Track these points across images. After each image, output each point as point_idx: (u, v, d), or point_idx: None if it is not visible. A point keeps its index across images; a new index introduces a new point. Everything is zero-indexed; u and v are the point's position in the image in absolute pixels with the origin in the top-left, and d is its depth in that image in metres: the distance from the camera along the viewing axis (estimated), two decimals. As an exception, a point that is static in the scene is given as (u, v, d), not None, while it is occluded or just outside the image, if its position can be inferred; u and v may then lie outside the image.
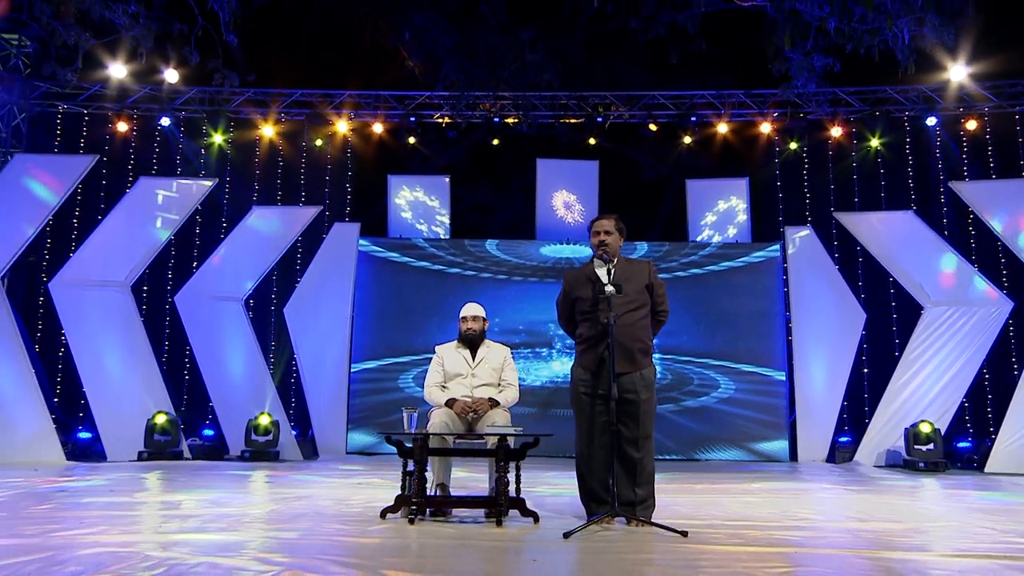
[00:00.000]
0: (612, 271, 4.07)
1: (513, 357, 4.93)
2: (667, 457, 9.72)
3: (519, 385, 4.78)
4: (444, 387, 4.66)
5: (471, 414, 4.40)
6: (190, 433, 9.46)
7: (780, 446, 9.80)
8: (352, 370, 9.89)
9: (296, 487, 6.02)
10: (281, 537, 3.50)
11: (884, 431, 9.04)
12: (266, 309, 10.45)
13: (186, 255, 10.46)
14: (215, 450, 9.15)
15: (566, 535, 3.52)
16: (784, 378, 9.96)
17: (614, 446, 3.93)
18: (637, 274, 4.22)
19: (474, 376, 4.66)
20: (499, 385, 4.67)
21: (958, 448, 9.20)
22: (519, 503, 4.05)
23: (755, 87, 11.37)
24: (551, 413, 9.73)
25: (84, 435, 9.26)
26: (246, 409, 8.83)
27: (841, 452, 9.38)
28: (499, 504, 3.90)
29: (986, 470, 8.25)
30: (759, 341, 10.12)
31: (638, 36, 10.60)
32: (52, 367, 9.90)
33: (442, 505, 4.10)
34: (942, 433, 8.55)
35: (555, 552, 3.28)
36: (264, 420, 8.43)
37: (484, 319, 4.83)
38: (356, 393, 9.84)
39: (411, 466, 4.04)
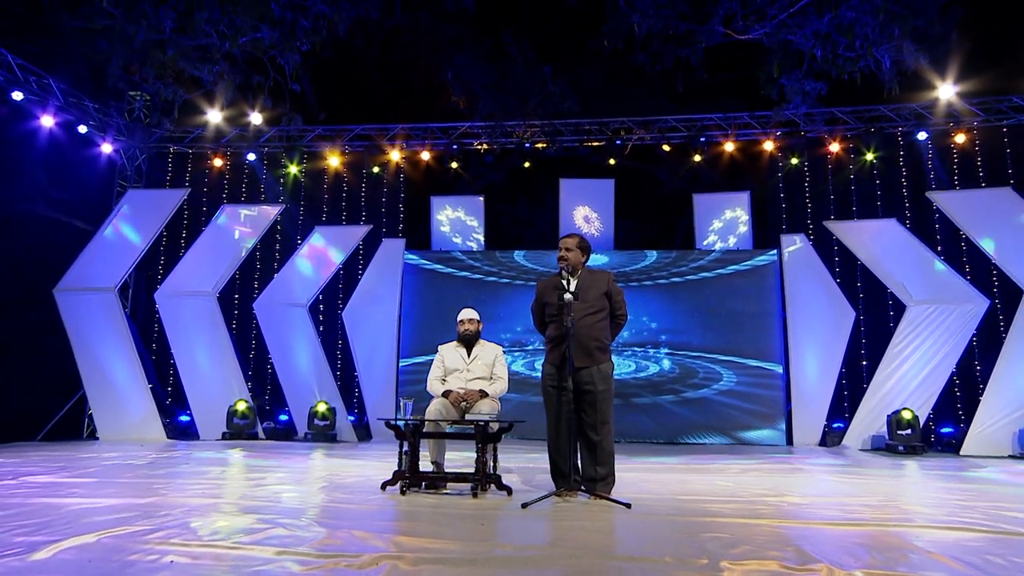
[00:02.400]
0: (572, 281, 4.25)
1: (505, 354, 5.14)
2: (676, 441, 9.71)
3: (508, 378, 4.97)
4: (444, 380, 4.89)
5: (463, 403, 4.63)
6: (267, 418, 9.96)
7: (778, 432, 9.66)
8: (400, 365, 10.16)
9: (329, 464, 6.31)
10: (291, 503, 3.81)
11: (870, 418, 8.83)
12: (327, 313, 10.78)
13: (265, 268, 10.91)
14: (287, 432, 9.56)
15: (523, 506, 3.71)
16: (781, 371, 9.80)
17: (572, 429, 4.10)
18: (597, 283, 4.37)
19: (469, 371, 4.87)
20: (491, 378, 4.89)
21: (941, 433, 8.91)
22: (495, 479, 4.25)
23: (759, 109, 11.24)
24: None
25: (184, 418, 9.87)
26: (311, 398, 9.27)
27: (832, 437, 9.19)
28: (476, 479, 4.12)
29: (961, 453, 7.98)
30: (758, 338, 9.98)
31: (646, 69, 10.65)
32: (162, 365, 10.60)
33: (429, 480, 4.33)
34: (923, 420, 8.31)
35: (509, 519, 3.46)
36: (322, 407, 8.84)
37: (478, 321, 5.03)
38: (404, 384, 10.10)
39: (407, 447, 4.30)
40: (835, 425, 9.49)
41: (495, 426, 4.37)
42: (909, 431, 8.01)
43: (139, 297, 10.98)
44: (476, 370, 4.86)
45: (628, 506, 3.77)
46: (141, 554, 2.50)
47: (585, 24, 11.25)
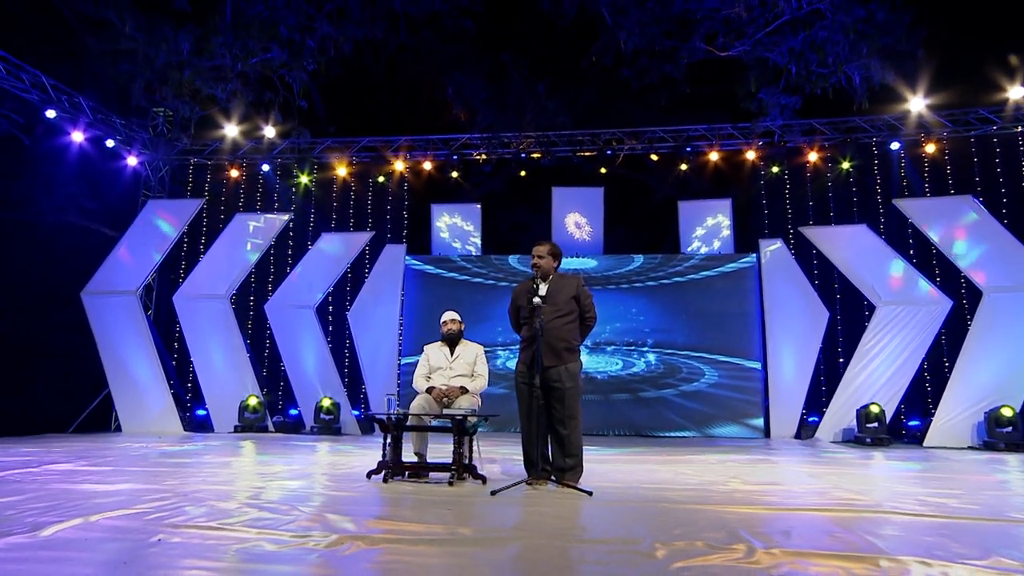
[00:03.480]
0: (541, 285, 4.39)
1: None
2: (658, 434, 9.81)
3: (488, 375, 5.11)
4: (429, 377, 5.04)
5: (444, 399, 4.77)
6: (278, 412, 10.13)
7: (756, 425, 9.74)
8: (401, 362, 10.32)
9: (327, 456, 6.44)
10: (280, 490, 3.96)
11: (841, 412, 8.90)
12: (333, 314, 10.94)
13: (278, 272, 11.07)
14: (296, 426, 9.71)
15: (493, 493, 3.84)
16: (759, 367, 9.89)
17: (542, 423, 4.24)
18: (566, 288, 4.49)
19: (451, 368, 5.00)
20: (472, 375, 5.02)
21: (909, 426, 8.97)
22: (471, 468, 4.38)
23: (742, 121, 11.33)
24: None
25: (201, 412, 10.09)
26: (318, 394, 9.42)
27: (806, 430, 9.27)
28: (453, 469, 4.26)
29: (925, 445, 8.03)
30: (738, 336, 10.07)
31: (633, 83, 10.78)
32: (182, 363, 10.78)
33: (411, 469, 4.47)
34: (891, 414, 8.38)
35: (477, 504, 3.58)
36: (326, 402, 9.00)
37: (460, 322, 5.17)
38: (404, 380, 10.20)
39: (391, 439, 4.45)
40: (810, 419, 9.56)
41: (473, 420, 4.51)
42: (876, 424, 8.08)
43: (163, 299, 11.19)
44: (458, 368, 5.00)
45: (590, 494, 3.89)
46: (135, 533, 2.66)
47: (577, 43, 11.38)
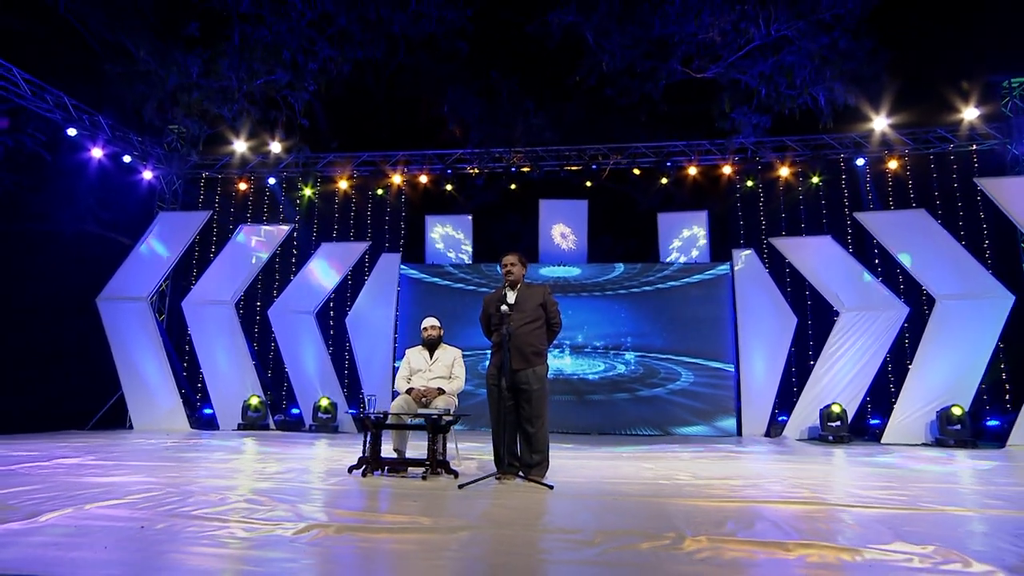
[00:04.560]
0: (510, 294, 4.52)
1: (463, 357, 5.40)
2: (637, 433, 9.92)
3: (465, 377, 5.23)
4: (409, 379, 5.17)
5: (423, 399, 4.89)
6: (281, 411, 10.26)
7: (729, 424, 9.83)
8: (396, 364, 10.36)
9: (319, 451, 6.54)
10: (264, 483, 4.08)
11: (807, 411, 9.00)
12: (331, 319, 11.04)
13: (282, 279, 11.18)
14: (297, 424, 9.83)
15: (460, 486, 3.95)
16: (732, 370, 9.98)
17: (510, 422, 4.35)
18: (534, 296, 4.59)
19: (431, 371, 5.13)
20: (450, 377, 5.15)
21: (870, 424, 9.08)
22: (444, 464, 4.50)
23: (718, 137, 11.47)
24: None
25: (208, 411, 10.22)
26: (316, 394, 9.55)
27: (775, 428, 9.36)
28: (427, 464, 4.38)
29: (883, 441, 8.13)
30: (713, 340, 10.17)
31: (615, 102, 10.94)
32: (192, 366, 10.91)
33: (390, 464, 4.58)
34: (853, 412, 8.48)
35: (443, 497, 3.68)
36: (324, 402, 9.12)
37: (440, 328, 5.30)
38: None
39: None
40: (780, 418, 9.66)
41: (448, 418, 4.63)
42: (838, 423, 8.18)
43: (175, 304, 11.36)
44: (437, 370, 5.12)
45: (551, 487, 4.00)
46: (118, 521, 2.79)
47: (562, 64, 11.55)
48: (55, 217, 10.43)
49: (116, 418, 9.85)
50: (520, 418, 4.44)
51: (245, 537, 2.57)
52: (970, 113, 9.40)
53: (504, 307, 4.37)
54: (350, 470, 4.56)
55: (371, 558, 2.38)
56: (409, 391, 4.96)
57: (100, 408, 9.66)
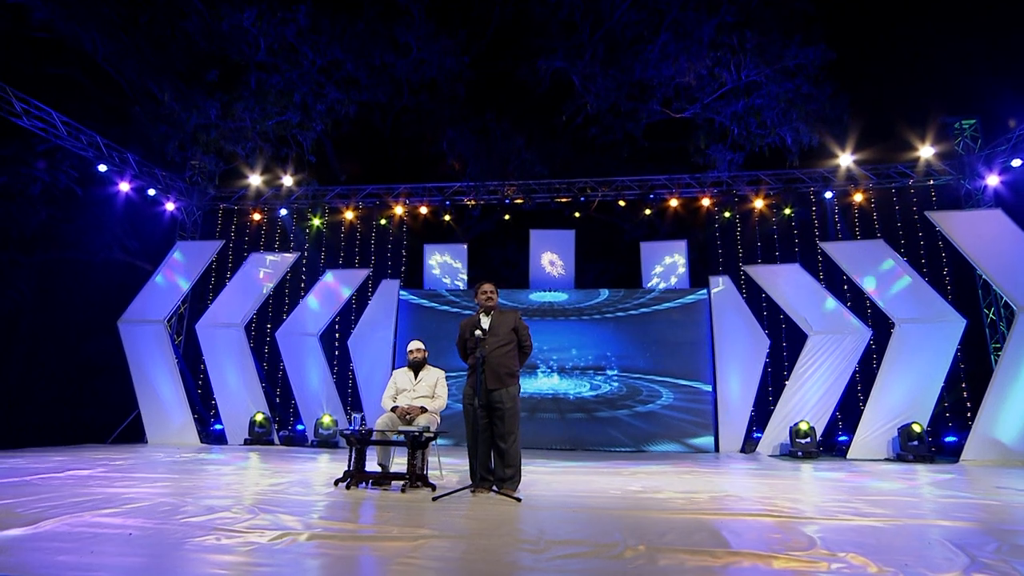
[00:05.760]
0: (484, 320, 4.64)
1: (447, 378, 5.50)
2: (620, 450, 9.92)
3: (447, 396, 5.34)
4: (395, 398, 5.27)
5: (407, 416, 4.99)
6: (287, 427, 10.33)
7: (708, 440, 9.83)
8: (394, 383, 10.52)
9: (313, 465, 6.55)
10: (252, 495, 4.17)
11: (779, 429, 9.01)
12: (334, 341, 11.18)
13: (291, 303, 11.37)
14: (300, 439, 9.92)
15: (434, 499, 4.03)
16: (710, 389, 10.02)
17: (484, 439, 4.44)
18: (506, 321, 4.71)
19: (415, 391, 5.23)
20: (433, 396, 5.25)
21: (838, 440, 9.07)
22: (423, 477, 4.57)
23: (698, 171, 11.69)
24: (536, 416, 10.16)
25: (218, 427, 10.32)
26: (319, 411, 9.62)
27: (750, 444, 9.36)
28: (406, 478, 4.46)
29: (848, 457, 8.12)
30: (692, 361, 10.23)
31: (599, 140, 11.20)
32: (206, 384, 11.02)
33: (374, 478, 4.66)
34: (822, 429, 8.49)
35: (417, 509, 3.73)
36: (326, 419, 9.19)
37: (424, 350, 5.41)
38: (398, 399, 10.45)
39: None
40: (755, 435, 9.66)
41: (428, 435, 4.72)
42: (807, 439, 8.20)
43: (191, 327, 11.52)
44: (421, 390, 5.22)
45: (519, 500, 4.07)
46: (110, 528, 2.90)
47: (552, 105, 11.87)
48: (85, 246, 10.69)
49: (135, 433, 9.95)
50: (494, 435, 4.52)
51: (221, 544, 2.67)
52: (926, 151, 9.58)
53: (478, 332, 4.49)
54: (336, 483, 4.64)
55: (332, 563, 2.47)
56: (394, 409, 5.06)
57: (120, 423, 9.78)
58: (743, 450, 9.42)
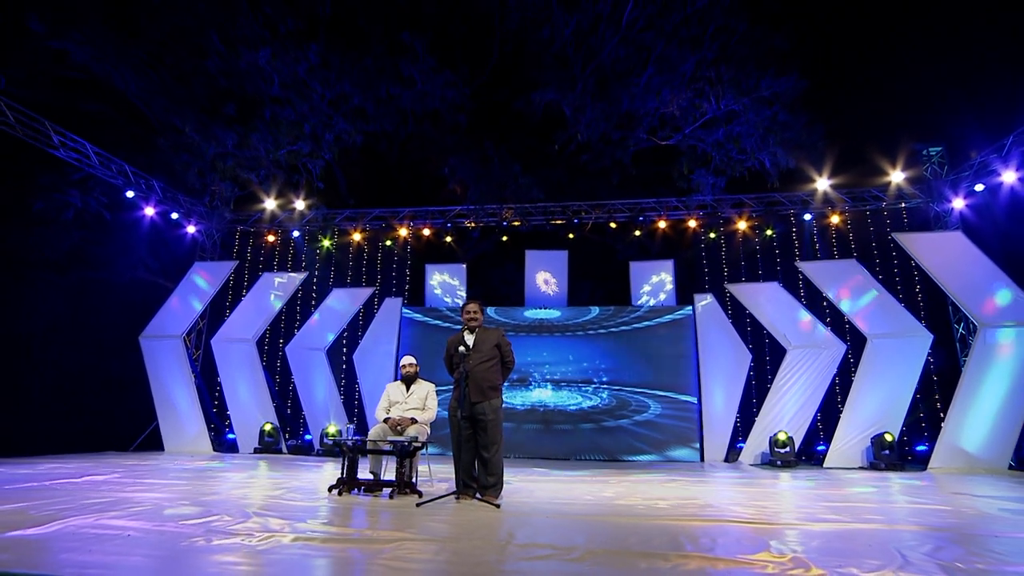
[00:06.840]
0: (468, 337, 4.74)
1: (437, 392, 5.58)
2: (608, 459, 9.91)
3: (436, 408, 5.42)
4: (387, 410, 5.35)
5: (398, 427, 5.07)
6: (295, 437, 10.39)
7: (693, 450, 9.80)
8: (396, 396, 10.57)
9: (312, 473, 6.58)
10: (247, 499, 4.25)
11: (760, 439, 8.98)
12: (341, 355, 11.24)
13: (303, 319, 11.49)
14: (307, 448, 9.95)
15: (418, 504, 4.09)
16: (695, 401, 10.02)
17: (468, 448, 4.51)
18: (490, 338, 4.78)
19: (406, 403, 5.31)
20: (423, 408, 5.34)
21: (816, 450, 9.03)
22: (410, 485, 4.64)
23: (684, 195, 11.81)
24: (524, 427, 10.18)
25: (231, 436, 10.41)
26: (324, 421, 9.70)
27: (732, 454, 9.33)
28: (394, 486, 4.54)
29: (824, 465, 8.09)
30: (678, 375, 10.23)
31: (590, 166, 11.37)
32: (221, 396, 11.14)
33: (365, 485, 4.72)
34: (800, 440, 8.46)
35: (400, 514, 3.79)
36: (332, 429, 9.26)
37: (416, 365, 5.50)
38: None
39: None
40: (738, 445, 9.63)
41: (420, 441, 4.80)
42: (786, 449, 8.17)
43: (209, 342, 11.68)
44: (412, 403, 5.31)
45: (498, 506, 4.13)
46: (112, 529, 3.00)
47: (545, 134, 12.08)
48: (113, 266, 10.94)
49: (154, 442, 10.07)
50: (477, 445, 4.58)
51: (213, 545, 2.76)
52: (897, 176, 9.67)
53: (462, 348, 4.59)
54: (329, 490, 4.71)
55: (303, 560, 2.56)
56: (387, 420, 5.15)
57: (141, 432, 9.90)
58: (727, 459, 9.39)
